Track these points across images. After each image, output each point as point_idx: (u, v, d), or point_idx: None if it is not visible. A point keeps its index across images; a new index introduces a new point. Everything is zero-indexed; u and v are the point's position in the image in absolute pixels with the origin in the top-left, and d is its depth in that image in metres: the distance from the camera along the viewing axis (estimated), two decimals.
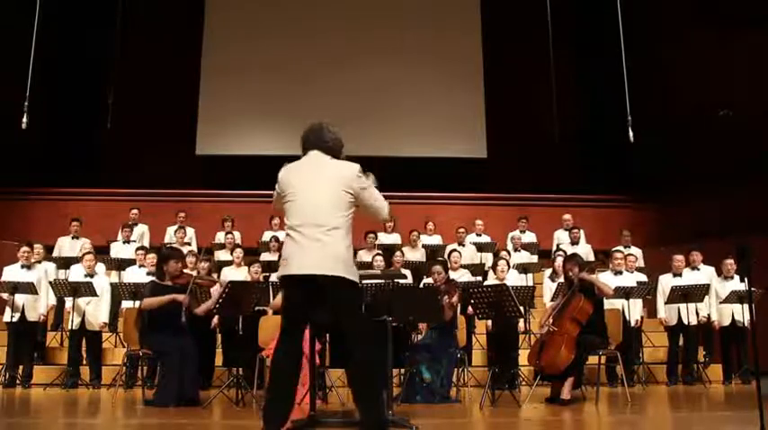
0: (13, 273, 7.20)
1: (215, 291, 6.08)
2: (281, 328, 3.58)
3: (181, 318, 5.61)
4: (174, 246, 7.89)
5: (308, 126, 3.73)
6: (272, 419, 3.39)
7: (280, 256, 7.76)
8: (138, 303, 6.23)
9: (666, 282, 7.53)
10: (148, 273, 7.30)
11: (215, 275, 7.56)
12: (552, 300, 6.75)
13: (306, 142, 3.68)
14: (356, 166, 3.56)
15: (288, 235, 3.52)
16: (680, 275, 7.58)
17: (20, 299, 7.04)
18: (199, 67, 12.18)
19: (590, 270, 5.74)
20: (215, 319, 6.89)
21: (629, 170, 11.21)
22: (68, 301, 7.14)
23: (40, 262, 7.53)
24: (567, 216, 9.91)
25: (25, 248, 7.33)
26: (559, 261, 7.17)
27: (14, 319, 7.02)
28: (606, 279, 6.98)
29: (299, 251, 3.42)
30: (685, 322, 7.36)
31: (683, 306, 7.33)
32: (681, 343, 7.47)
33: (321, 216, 3.43)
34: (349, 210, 3.51)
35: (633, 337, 7.20)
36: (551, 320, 5.61)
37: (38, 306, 7.18)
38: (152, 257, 7.43)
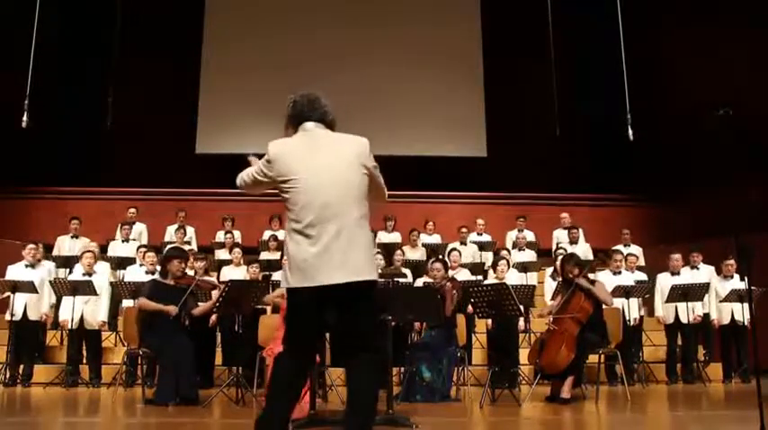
0: (18, 271, 7.18)
1: (215, 294, 6.08)
2: (287, 340, 2.94)
3: (180, 318, 5.63)
4: (178, 246, 7.89)
5: (297, 95, 3.13)
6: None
7: (281, 256, 7.84)
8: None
9: (665, 281, 7.52)
10: (147, 272, 7.30)
11: (213, 275, 7.56)
12: (552, 299, 6.74)
13: (300, 115, 3.07)
14: (366, 140, 3.03)
15: (296, 234, 2.82)
16: (678, 274, 7.58)
17: (22, 298, 7.02)
18: (199, 67, 12.20)
19: (590, 269, 5.74)
20: (213, 318, 6.89)
21: (629, 169, 11.20)
22: (63, 300, 7.06)
23: (40, 260, 7.51)
24: (564, 214, 9.92)
25: (31, 246, 7.32)
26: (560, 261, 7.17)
27: (16, 318, 7.00)
28: (605, 278, 6.98)
29: (321, 257, 2.77)
30: (683, 321, 7.37)
31: (680, 304, 7.33)
32: (679, 342, 7.47)
33: (345, 207, 2.83)
34: (367, 195, 2.95)
35: (633, 336, 7.20)
36: (551, 319, 5.62)
37: (40, 305, 7.18)
38: (151, 256, 7.41)
